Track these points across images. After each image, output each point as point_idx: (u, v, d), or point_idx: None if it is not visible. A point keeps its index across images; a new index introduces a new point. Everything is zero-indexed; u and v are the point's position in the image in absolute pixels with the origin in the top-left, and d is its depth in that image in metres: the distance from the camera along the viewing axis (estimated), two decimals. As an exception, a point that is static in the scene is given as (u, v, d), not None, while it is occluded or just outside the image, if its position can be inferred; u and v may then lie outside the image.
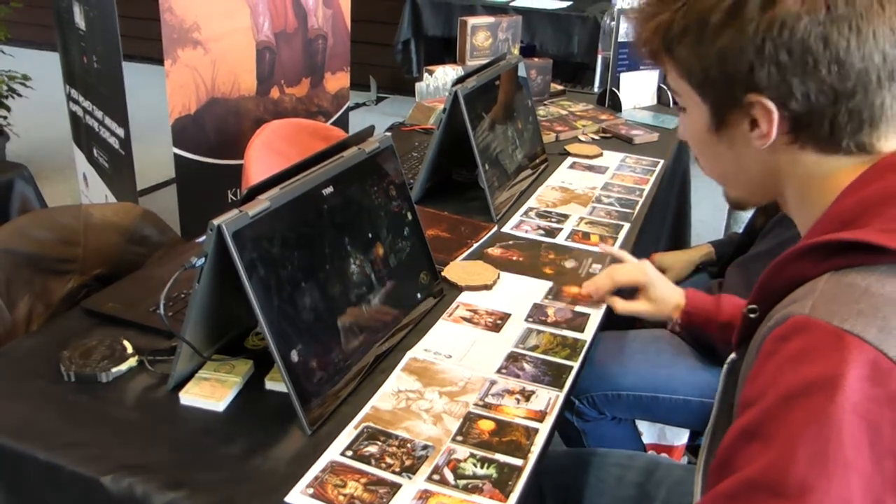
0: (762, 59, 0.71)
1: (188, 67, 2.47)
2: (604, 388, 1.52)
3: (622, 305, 1.29)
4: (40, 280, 1.32)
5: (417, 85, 2.21)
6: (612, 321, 1.74)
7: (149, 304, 1.22)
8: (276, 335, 0.94)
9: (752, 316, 0.77)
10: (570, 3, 4.43)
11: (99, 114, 2.82)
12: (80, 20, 2.75)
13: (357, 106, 5.25)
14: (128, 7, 3.93)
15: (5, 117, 3.68)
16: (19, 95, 3.66)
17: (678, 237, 2.56)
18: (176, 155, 2.52)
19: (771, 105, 0.72)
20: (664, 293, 1.29)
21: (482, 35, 2.31)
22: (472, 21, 2.30)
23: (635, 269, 1.31)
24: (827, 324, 0.63)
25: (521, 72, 1.87)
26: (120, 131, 2.65)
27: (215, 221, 0.90)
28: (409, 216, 1.26)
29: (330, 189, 1.08)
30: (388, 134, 1.24)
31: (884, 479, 0.60)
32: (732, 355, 0.82)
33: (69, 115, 3.21)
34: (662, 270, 1.88)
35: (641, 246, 2.18)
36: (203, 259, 0.92)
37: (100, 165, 2.98)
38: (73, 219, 1.38)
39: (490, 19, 2.34)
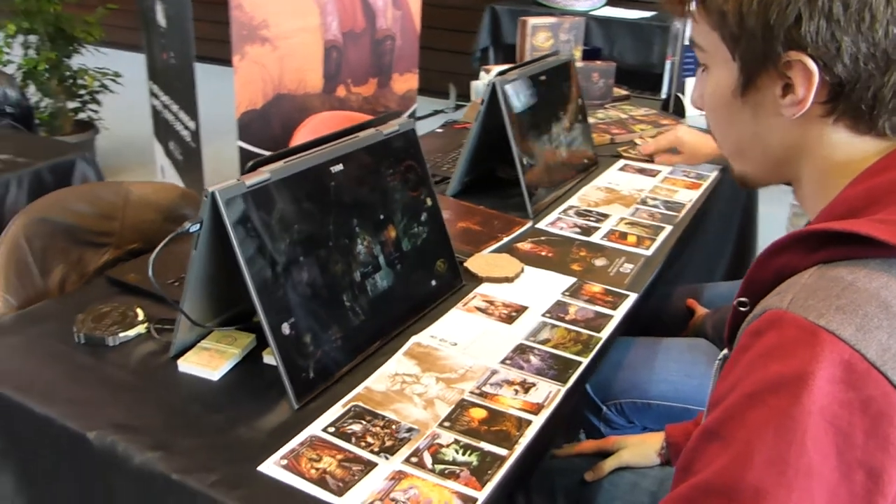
0: (813, 9, 0.62)
1: (256, 63, 2.54)
2: (632, 396, 1.46)
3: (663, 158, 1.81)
4: (76, 251, 1.37)
5: (473, 83, 2.19)
6: (645, 327, 1.68)
7: (170, 276, 1.25)
8: (266, 306, 0.94)
9: (742, 309, 0.71)
10: (651, 13, 4.33)
11: (175, 107, 2.94)
12: (161, 18, 2.87)
13: (435, 112, 5.28)
14: (206, 10, 4.10)
15: (96, 111, 3.88)
16: (111, 91, 3.85)
17: (742, 256, 2.44)
18: (241, 148, 2.59)
19: (813, 66, 0.64)
20: (695, 145, 1.77)
21: (542, 35, 2.28)
22: (533, 21, 2.27)
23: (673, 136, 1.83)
24: (802, 319, 0.58)
25: (575, 71, 1.82)
26: (192, 124, 2.75)
27: (210, 188, 0.91)
28: (429, 202, 1.24)
29: (339, 167, 1.08)
30: (411, 119, 1.23)
31: (851, 494, 0.54)
32: (724, 351, 0.77)
33: (151, 110, 3.36)
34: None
35: (695, 261, 2.09)
36: (198, 225, 0.93)
37: (175, 158, 3.10)
38: (114, 194, 1.43)
39: (552, 20, 2.30)
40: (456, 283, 1.27)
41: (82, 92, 3.80)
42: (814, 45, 0.64)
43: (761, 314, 0.62)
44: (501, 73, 1.56)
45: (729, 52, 0.70)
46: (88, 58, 3.88)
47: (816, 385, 0.55)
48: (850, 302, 0.58)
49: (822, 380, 0.55)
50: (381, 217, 1.14)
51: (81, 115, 3.86)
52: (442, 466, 0.87)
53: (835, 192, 0.69)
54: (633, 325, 1.46)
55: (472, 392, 1.01)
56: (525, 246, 1.45)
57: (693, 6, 0.72)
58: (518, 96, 1.58)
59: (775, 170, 0.76)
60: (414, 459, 0.88)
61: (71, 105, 3.80)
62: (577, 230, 1.53)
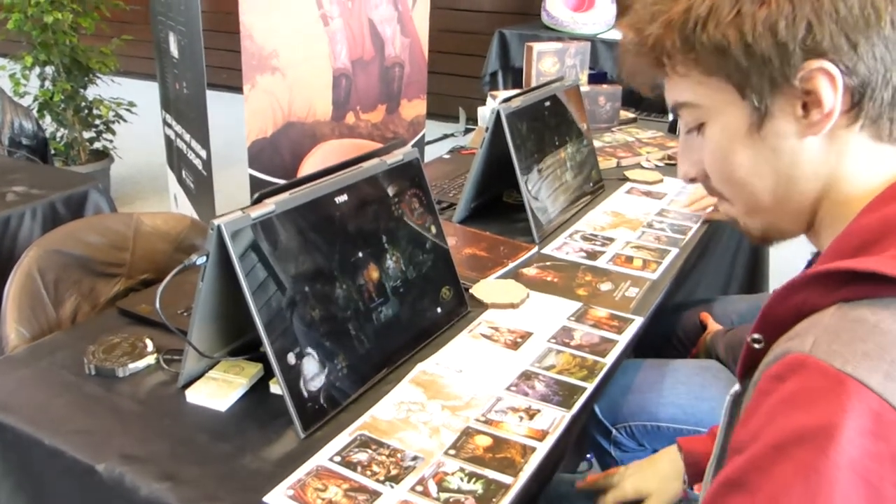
0: (821, 15, 0.63)
1: (266, 92, 2.58)
2: (641, 419, 1.45)
3: None
4: (89, 281, 1.39)
5: (479, 109, 2.22)
6: (658, 344, 1.67)
7: (180, 307, 1.26)
8: (272, 336, 0.95)
9: (756, 346, 0.69)
10: (660, 34, 4.35)
11: (187, 136, 2.98)
12: (174, 48, 2.92)
13: (445, 136, 5.32)
14: (219, 39, 4.15)
15: (111, 141, 3.93)
16: (125, 121, 3.91)
17: (754, 278, 2.42)
18: (251, 176, 2.62)
19: (835, 70, 0.64)
20: None
21: (549, 60, 2.30)
22: (539, 46, 2.29)
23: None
24: (827, 365, 0.56)
25: (580, 96, 1.84)
26: (203, 153, 2.78)
27: (216, 221, 0.93)
28: (434, 230, 1.25)
29: (343, 197, 1.09)
30: (414, 148, 1.25)
31: None
32: (736, 386, 0.75)
33: (164, 138, 3.40)
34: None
35: (707, 276, 2.09)
36: (205, 258, 0.94)
37: (187, 186, 3.14)
38: (125, 225, 1.46)
39: (557, 45, 2.33)
40: (462, 310, 1.28)
41: (97, 122, 3.87)
42: (831, 48, 0.64)
43: (782, 356, 0.60)
44: (506, 100, 1.58)
45: (735, 89, 0.68)
46: (103, 88, 3.94)
47: (844, 437, 0.53)
48: (876, 347, 0.56)
49: (851, 431, 0.53)
50: (386, 246, 1.16)
51: (97, 145, 3.92)
52: (447, 495, 0.88)
53: (849, 217, 0.67)
54: (645, 343, 1.46)
55: (477, 419, 1.02)
56: (531, 271, 1.45)
57: (676, 65, 0.70)
58: (522, 122, 1.60)
59: (795, 212, 0.73)
60: (419, 488, 0.89)
61: (86, 135, 3.86)
62: (583, 254, 1.53)
